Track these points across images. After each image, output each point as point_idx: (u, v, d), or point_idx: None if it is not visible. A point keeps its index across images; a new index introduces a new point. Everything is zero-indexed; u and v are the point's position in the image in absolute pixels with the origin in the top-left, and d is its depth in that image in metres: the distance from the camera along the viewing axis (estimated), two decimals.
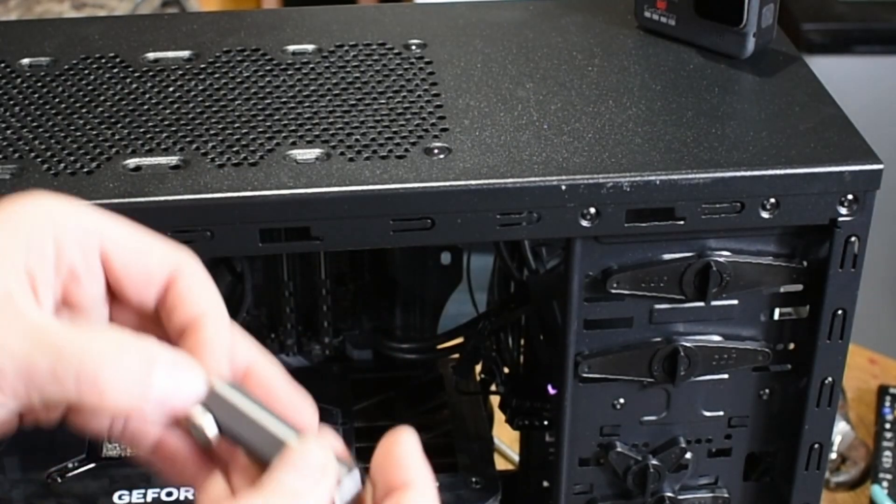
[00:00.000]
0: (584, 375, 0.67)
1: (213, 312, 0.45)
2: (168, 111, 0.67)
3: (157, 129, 0.65)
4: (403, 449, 0.48)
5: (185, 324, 0.45)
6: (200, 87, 0.69)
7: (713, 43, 0.73)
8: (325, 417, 0.82)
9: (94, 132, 0.65)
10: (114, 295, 0.47)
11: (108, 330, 0.44)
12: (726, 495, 0.73)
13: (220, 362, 0.44)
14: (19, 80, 0.70)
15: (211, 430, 0.43)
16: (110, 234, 0.45)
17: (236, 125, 0.65)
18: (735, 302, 0.67)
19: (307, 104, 0.67)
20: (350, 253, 0.81)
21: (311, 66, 0.71)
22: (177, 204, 0.59)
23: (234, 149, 0.63)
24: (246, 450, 0.44)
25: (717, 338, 0.68)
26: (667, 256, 0.65)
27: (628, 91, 0.69)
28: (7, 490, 0.74)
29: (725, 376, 0.69)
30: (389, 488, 0.45)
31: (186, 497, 0.73)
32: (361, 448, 0.80)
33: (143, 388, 0.42)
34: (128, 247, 0.46)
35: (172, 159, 0.62)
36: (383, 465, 0.46)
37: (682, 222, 0.63)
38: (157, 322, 0.47)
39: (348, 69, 0.71)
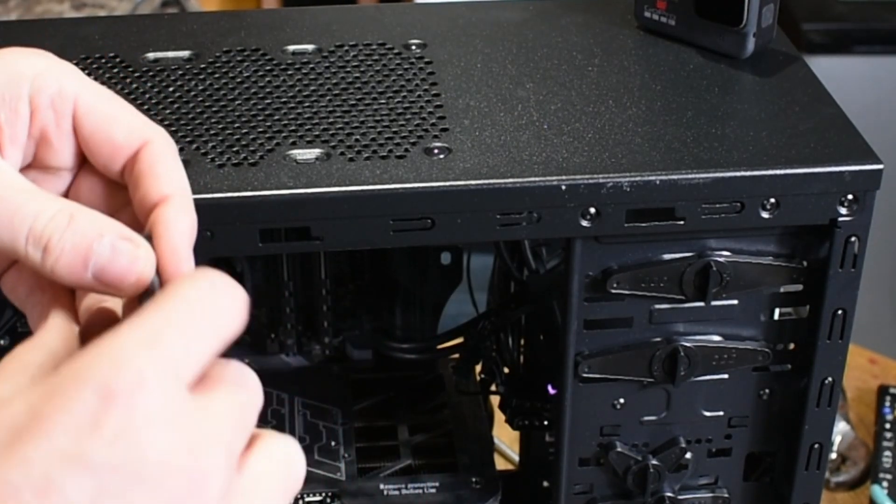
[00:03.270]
0: (584, 375, 0.67)
1: (174, 195, 0.45)
2: (168, 111, 0.67)
3: None
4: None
5: (147, 203, 0.45)
6: (200, 87, 0.69)
7: (713, 43, 0.73)
8: (326, 417, 0.82)
9: None
10: (85, 160, 0.47)
11: (66, 200, 0.44)
12: (726, 495, 0.73)
13: (175, 252, 0.44)
14: None
15: None
16: (85, 99, 0.46)
17: (236, 125, 0.65)
18: (735, 302, 0.67)
19: (307, 104, 0.67)
20: (350, 253, 0.81)
21: (311, 66, 0.71)
22: None
23: (234, 149, 0.63)
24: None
25: (717, 338, 0.68)
26: (667, 256, 0.65)
27: (628, 91, 0.69)
28: None
29: (725, 376, 0.69)
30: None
31: None
32: (361, 448, 0.80)
33: (87, 257, 0.42)
34: (98, 114, 0.46)
35: None
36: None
37: (682, 222, 0.63)
38: (126, 196, 0.47)
39: (348, 69, 0.71)
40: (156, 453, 0.35)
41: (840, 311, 0.66)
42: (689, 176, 0.61)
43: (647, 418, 0.70)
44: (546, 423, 0.79)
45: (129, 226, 0.44)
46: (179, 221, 0.45)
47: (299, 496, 0.75)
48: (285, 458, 0.41)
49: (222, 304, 0.40)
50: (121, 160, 0.46)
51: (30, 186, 0.44)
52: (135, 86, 0.69)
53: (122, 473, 0.35)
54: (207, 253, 0.65)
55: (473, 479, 0.77)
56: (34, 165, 0.47)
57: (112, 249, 0.42)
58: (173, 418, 0.36)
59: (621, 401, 0.69)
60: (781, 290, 0.67)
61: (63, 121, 0.46)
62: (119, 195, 0.48)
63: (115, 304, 0.46)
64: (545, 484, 0.86)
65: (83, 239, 0.42)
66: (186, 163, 0.61)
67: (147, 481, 0.35)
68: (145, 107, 0.67)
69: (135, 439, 0.35)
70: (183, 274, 0.44)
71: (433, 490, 0.76)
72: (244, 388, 0.40)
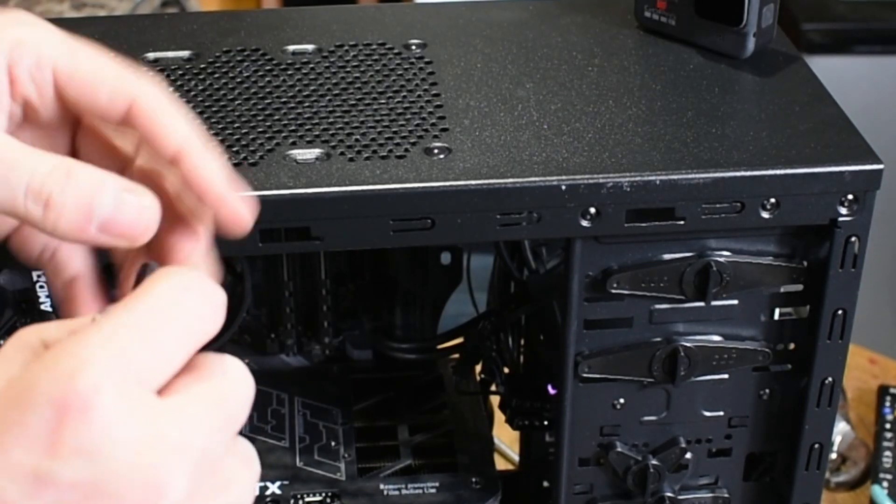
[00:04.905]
0: (584, 375, 0.67)
1: (182, 150, 0.44)
2: None
3: None
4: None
5: (160, 167, 0.45)
6: (200, 87, 0.69)
7: (713, 43, 0.73)
8: (326, 417, 0.82)
9: None
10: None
11: (61, 157, 0.43)
12: (726, 495, 0.73)
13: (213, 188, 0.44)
14: None
15: None
16: (63, 67, 0.45)
17: (236, 125, 0.65)
18: (735, 302, 0.67)
19: (307, 104, 0.67)
20: (350, 253, 0.81)
21: (311, 66, 0.71)
22: None
23: (234, 149, 0.63)
24: None
25: (717, 338, 0.68)
26: (667, 256, 0.65)
27: (628, 91, 0.69)
28: None
29: (725, 376, 0.69)
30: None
31: None
32: (361, 448, 0.80)
33: (90, 210, 0.41)
34: (78, 79, 0.45)
35: None
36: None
37: (682, 222, 0.63)
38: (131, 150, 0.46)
39: (348, 69, 0.71)
40: (115, 466, 0.34)
41: (840, 311, 0.66)
42: (689, 176, 0.61)
43: (647, 418, 0.70)
44: (546, 423, 0.79)
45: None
46: (203, 167, 0.44)
47: (299, 496, 0.76)
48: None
49: (193, 305, 0.38)
50: (113, 120, 0.45)
51: (22, 145, 0.43)
52: None
53: (81, 489, 0.34)
54: None
55: (473, 479, 0.77)
56: (27, 126, 0.46)
57: (116, 200, 0.41)
58: (134, 428, 0.35)
59: (621, 401, 0.69)
60: (781, 290, 0.67)
61: (45, 89, 0.45)
62: (122, 151, 0.47)
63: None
64: (545, 484, 0.86)
65: (85, 192, 0.41)
66: None
67: (107, 495, 0.34)
68: None
69: (92, 454, 0.34)
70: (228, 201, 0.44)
71: (433, 490, 0.76)
72: (223, 383, 0.38)
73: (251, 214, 0.46)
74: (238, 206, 0.45)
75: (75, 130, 0.48)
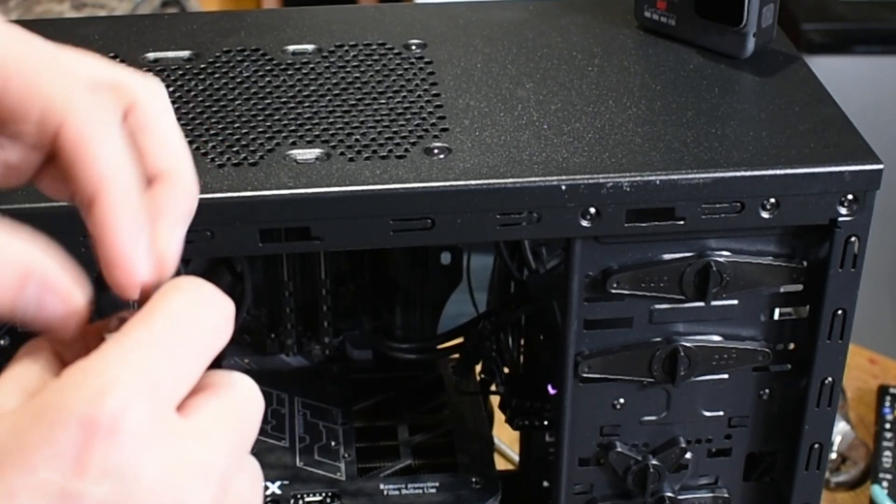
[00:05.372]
0: (584, 375, 0.67)
1: (101, 190, 0.38)
2: None
3: None
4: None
5: (84, 197, 0.38)
6: (200, 87, 0.69)
7: (713, 43, 0.73)
8: (326, 417, 0.82)
9: None
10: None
11: None
12: (726, 495, 0.73)
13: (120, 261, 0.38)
14: None
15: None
16: (7, 70, 0.38)
17: (236, 125, 0.65)
18: (735, 302, 0.67)
19: (307, 104, 0.67)
20: (350, 253, 0.81)
21: (311, 66, 0.71)
22: None
23: (234, 149, 0.63)
24: None
25: (717, 338, 0.68)
26: (667, 256, 0.65)
27: (628, 91, 0.69)
28: None
29: (725, 376, 0.69)
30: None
31: None
32: (361, 448, 0.80)
33: (13, 305, 0.37)
34: (11, 94, 0.38)
35: None
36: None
37: (682, 222, 0.63)
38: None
39: (348, 69, 0.71)
40: (142, 487, 0.34)
41: (840, 311, 0.66)
42: (689, 176, 0.61)
43: (647, 418, 0.70)
44: (546, 423, 0.79)
45: None
46: (120, 224, 0.38)
47: (299, 496, 0.76)
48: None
49: (209, 320, 0.38)
50: (45, 148, 0.39)
51: None
52: None
53: None
54: (207, 253, 0.65)
55: (473, 479, 0.77)
56: None
57: (38, 300, 0.37)
58: (160, 447, 0.35)
59: (621, 401, 0.69)
60: (781, 290, 0.67)
61: None
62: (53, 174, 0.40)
63: None
64: (545, 484, 0.86)
65: (3, 291, 0.37)
66: None
67: None
68: None
69: (120, 475, 0.34)
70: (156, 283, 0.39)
71: (433, 490, 0.76)
72: (240, 402, 0.38)
73: (148, 275, 0.39)
74: (131, 272, 0.39)
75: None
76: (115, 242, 0.38)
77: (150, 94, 0.41)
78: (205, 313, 0.38)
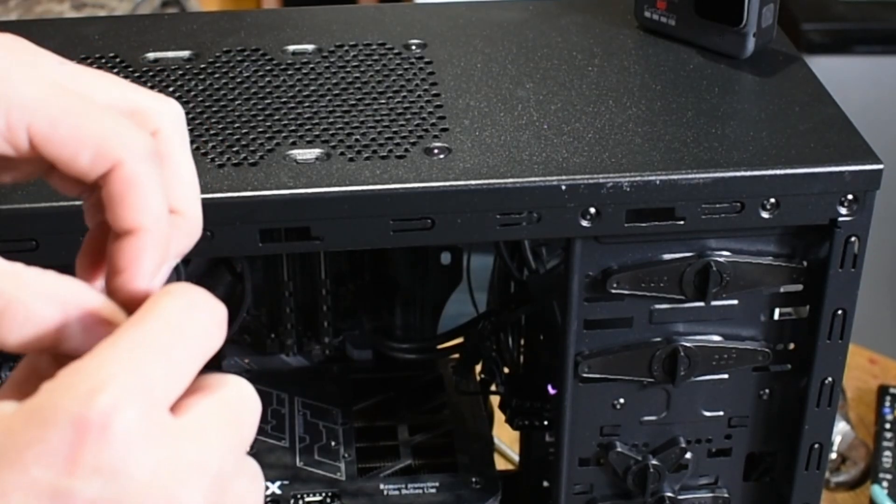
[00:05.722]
0: (584, 375, 0.67)
1: (139, 230, 0.39)
2: None
3: None
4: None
5: (117, 232, 0.40)
6: (200, 87, 0.69)
7: (713, 43, 0.73)
8: (326, 417, 0.82)
9: None
10: None
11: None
12: (726, 495, 0.73)
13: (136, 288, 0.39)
14: None
15: None
16: (40, 129, 0.40)
17: (236, 125, 0.65)
18: (735, 302, 0.67)
19: (307, 104, 0.67)
20: (350, 253, 0.81)
21: (311, 66, 0.71)
22: None
23: (234, 149, 0.63)
24: None
25: (717, 338, 0.68)
26: (667, 256, 0.65)
27: (628, 91, 0.69)
28: None
29: (725, 376, 0.69)
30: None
31: None
32: (361, 448, 0.80)
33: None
34: (57, 141, 0.40)
35: None
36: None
37: (682, 222, 0.63)
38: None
39: (348, 69, 0.71)
40: (134, 486, 0.34)
41: (840, 311, 0.66)
42: (689, 176, 0.61)
43: (647, 418, 0.70)
44: (546, 423, 0.79)
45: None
46: (146, 263, 0.40)
47: (299, 496, 0.76)
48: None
49: (201, 322, 0.38)
50: (89, 180, 0.41)
51: None
52: None
53: None
54: (207, 253, 0.65)
55: (473, 479, 0.77)
56: None
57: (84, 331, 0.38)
58: (153, 446, 0.35)
59: (621, 401, 0.69)
60: (781, 290, 0.67)
61: (20, 146, 0.40)
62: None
63: None
64: (545, 484, 0.86)
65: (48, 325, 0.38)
66: None
67: None
68: None
69: (112, 473, 0.34)
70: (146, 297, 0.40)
71: (433, 490, 0.76)
72: (236, 402, 0.38)
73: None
74: (137, 294, 0.40)
75: None
76: (135, 275, 0.40)
77: (170, 123, 0.42)
78: (197, 316, 0.38)
